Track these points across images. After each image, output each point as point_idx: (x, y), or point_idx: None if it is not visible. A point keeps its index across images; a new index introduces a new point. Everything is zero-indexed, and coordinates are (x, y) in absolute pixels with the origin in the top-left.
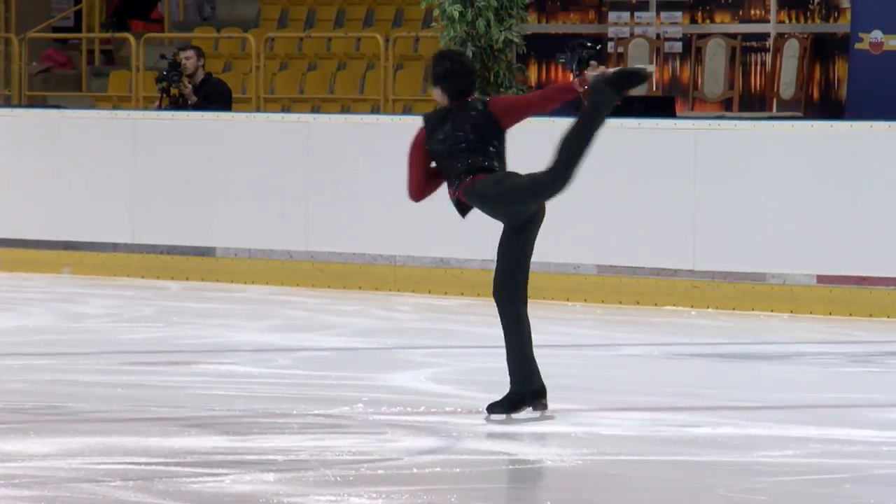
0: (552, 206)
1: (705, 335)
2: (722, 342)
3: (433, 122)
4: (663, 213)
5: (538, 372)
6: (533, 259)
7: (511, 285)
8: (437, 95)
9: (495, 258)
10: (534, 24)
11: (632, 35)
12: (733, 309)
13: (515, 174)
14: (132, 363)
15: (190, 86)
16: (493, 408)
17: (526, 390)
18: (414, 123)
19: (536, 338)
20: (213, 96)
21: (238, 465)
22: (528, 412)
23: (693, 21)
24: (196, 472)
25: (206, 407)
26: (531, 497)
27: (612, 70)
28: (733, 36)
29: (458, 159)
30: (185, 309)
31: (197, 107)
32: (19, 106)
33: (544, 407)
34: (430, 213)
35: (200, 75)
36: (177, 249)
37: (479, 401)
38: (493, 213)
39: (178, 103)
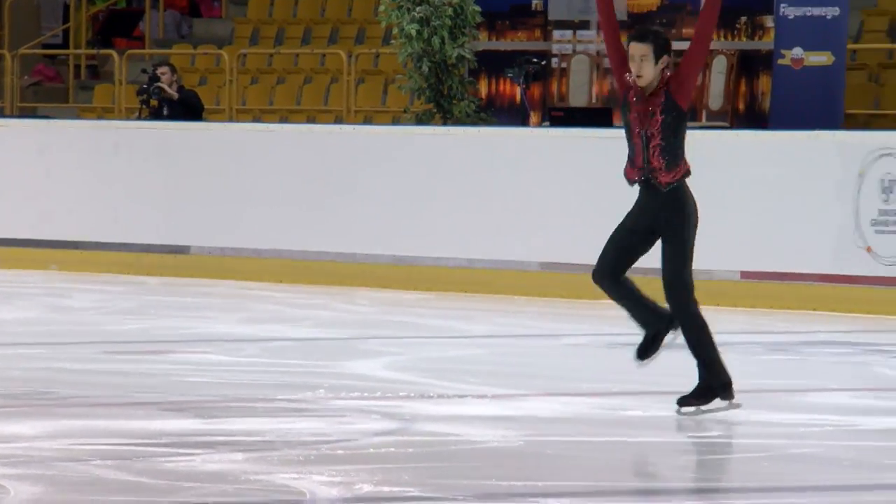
0: (499, 208)
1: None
2: None
3: None
4: (601, 213)
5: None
6: (481, 257)
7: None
8: (658, 68)
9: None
10: (484, 42)
11: (574, 52)
12: (663, 302)
13: None
14: (114, 352)
15: (171, 89)
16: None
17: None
18: (371, 133)
19: (485, 329)
20: (189, 104)
21: (209, 445)
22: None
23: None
24: (171, 451)
25: (181, 392)
26: (478, 474)
27: None
28: None
29: None
30: (163, 303)
31: (172, 113)
32: (11, 116)
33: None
34: (387, 213)
35: (175, 87)
36: (155, 247)
37: (430, 386)
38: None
39: (158, 114)
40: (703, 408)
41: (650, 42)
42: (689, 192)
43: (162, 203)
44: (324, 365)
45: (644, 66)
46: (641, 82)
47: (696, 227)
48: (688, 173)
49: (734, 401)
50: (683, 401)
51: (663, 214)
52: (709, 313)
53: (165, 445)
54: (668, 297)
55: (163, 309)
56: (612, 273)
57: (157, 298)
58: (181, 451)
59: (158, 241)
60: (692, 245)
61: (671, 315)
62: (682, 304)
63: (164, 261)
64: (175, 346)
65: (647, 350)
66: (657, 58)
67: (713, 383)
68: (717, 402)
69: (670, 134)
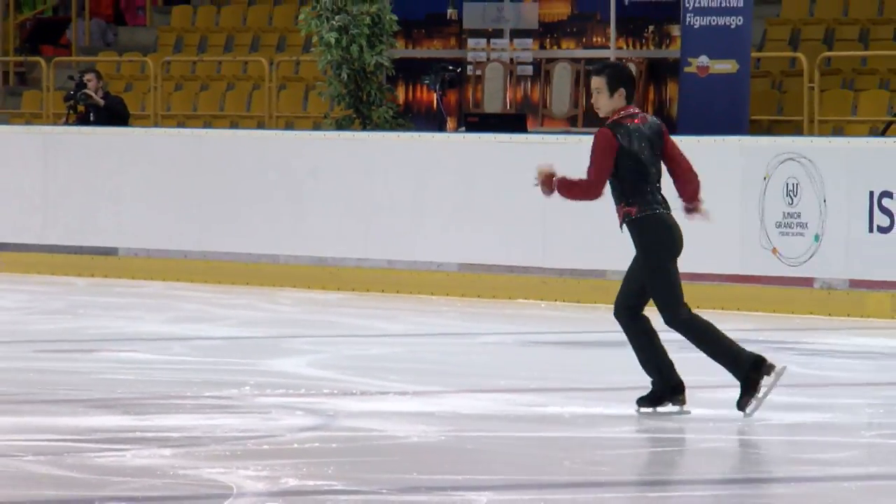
0: (418, 211)
1: (554, 325)
2: (568, 331)
3: (625, 132)
4: (517, 216)
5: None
6: (401, 258)
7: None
8: (615, 100)
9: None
10: (401, 50)
11: (488, 59)
12: (578, 301)
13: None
14: (43, 351)
15: (98, 95)
16: (641, 402)
17: (666, 386)
18: (295, 138)
19: (405, 328)
20: (115, 110)
21: (138, 441)
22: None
23: (542, 47)
24: (101, 447)
25: (109, 390)
26: (400, 468)
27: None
28: (577, 60)
29: (650, 182)
30: (91, 303)
31: (99, 119)
32: None
33: (683, 402)
34: (309, 215)
35: (101, 94)
36: (83, 249)
37: (352, 384)
38: (654, 249)
39: (85, 120)
40: (759, 396)
41: (604, 75)
42: (653, 224)
43: (90, 206)
44: (249, 363)
45: (599, 98)
46: (599, 113)
47: (665, 253)
48: (628, 216)
49: (773, 374)
50: (741, 404)
51: (636, 246)
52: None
53: (95, 441)
54: (662, 317)
55: (91, 309)
56: (625, 306)
57: (85, 298)
58: (111, 446)
59: (87, 243)
60: (662, 268)
61: (677, 383)
62: (673, 319)
63: (92, 262)
64: (103, 344)
65: (648, 401)
66: (611, 90)
67: (747, 374)
68: (764, 387)
69: (612, 176)
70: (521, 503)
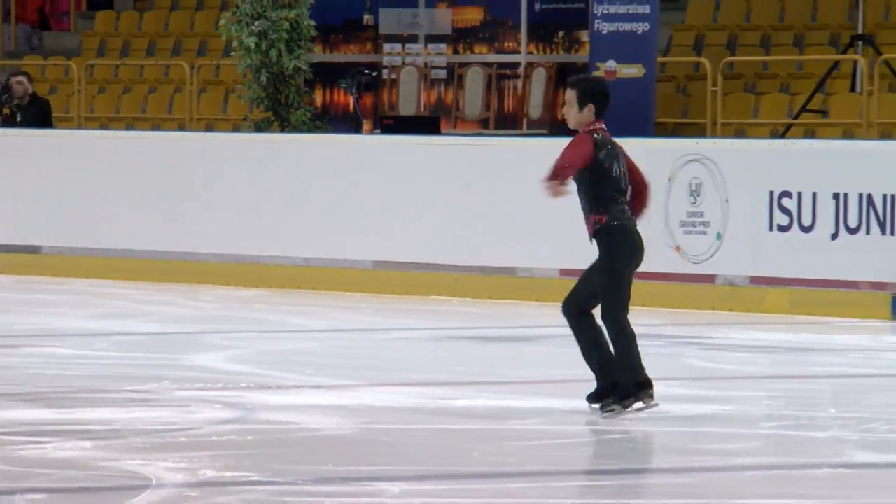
0: (335, 210)
1: (466, 321)
2: (479, 326)
3: (602, 147)
4: (430, 214)
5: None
6: (319, 255)
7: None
8: (584, 114)
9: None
10: (319, 54)
11: (403, 64)
12: (489, 298)
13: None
14: None
15: (27, 95)
16: (590, 398)
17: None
18: (216, 140)
19: (322, 324)
20: (41, 106)
21: (60, 434)
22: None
23: (456, 52)
24: (24, 440)
25: (32, 384)
26: (315, 460)
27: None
28: (490, 65)
29: (621, 192)
30: (15, 299)
31: (25, 119)
32: None
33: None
34: (229, 215)
35: (29, 94)
36: (7, 248)
37: (269, 378)
38: (616, 257)
39: (10, 121)
40: (623, 410)
41: (576, 89)
42: (622, 234)
43: (14, 205)
44: (169, 358)
45: (569, 111)
46: (569, 125)
47: (624, 261)
48: (598, 223)
49: (653, 402)
50: (605, 405)
51: (601, 252)
52: (526, 308)
53: (18, 434)
54: (601, 311)
55: (15, 305)
56: (577, 306)
57: (8, 295)
58: (33, 439)
59: (10, 241)
60: (619, 274)
61: (613, 382)
62: (609, 317)
63: (16, 260)
64: (26, 340)
65: (595, 397)
66: (581, 104)
67: (628, 387)
68: (638, 404)
69: (578, 185)
70: (433, 493)
